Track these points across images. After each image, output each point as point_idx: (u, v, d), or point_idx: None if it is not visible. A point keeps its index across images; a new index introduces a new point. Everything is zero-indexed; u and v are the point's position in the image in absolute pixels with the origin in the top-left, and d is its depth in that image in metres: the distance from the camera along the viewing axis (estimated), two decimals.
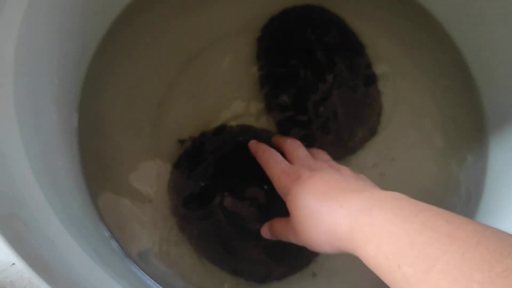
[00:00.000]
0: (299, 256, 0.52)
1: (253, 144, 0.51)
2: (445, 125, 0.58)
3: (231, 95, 0.55)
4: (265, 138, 0.53)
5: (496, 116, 0.57)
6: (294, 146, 0.49)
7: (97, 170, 0.51)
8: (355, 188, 0.39)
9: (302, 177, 0.42)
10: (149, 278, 0.49)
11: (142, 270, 0.49)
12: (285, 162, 0.46)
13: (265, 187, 0.51)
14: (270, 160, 0.47)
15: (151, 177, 0.52)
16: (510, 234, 0.27)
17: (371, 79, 0.58)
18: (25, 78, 0.40)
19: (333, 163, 0.47)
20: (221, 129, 0.54)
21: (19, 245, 0.29)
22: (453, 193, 0.57)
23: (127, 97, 0.54)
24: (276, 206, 0.47)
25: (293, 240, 0.43)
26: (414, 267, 0.28)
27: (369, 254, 0.32)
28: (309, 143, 0.53)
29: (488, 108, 0.58)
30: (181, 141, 0.53)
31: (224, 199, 0.51)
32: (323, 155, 0.50)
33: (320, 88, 0.55)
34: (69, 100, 0.50)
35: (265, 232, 0.49)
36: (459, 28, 0.58)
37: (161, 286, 0.49)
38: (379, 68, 0.58)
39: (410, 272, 0.28)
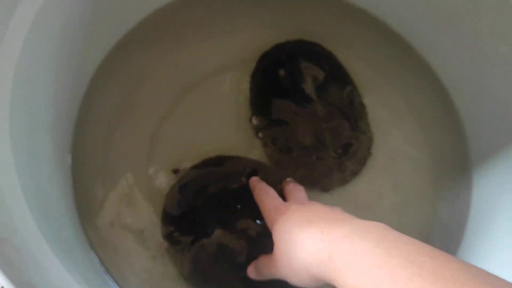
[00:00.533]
0: None
1: (253, 181, 0.51)
2: (431, 160, 0.59)
3: (224, 128, 0.56)
4: (256, 169, 0.54)
5: (479, 152, 0.58)
6: (296, 188, 0.49)
7: (90, 201, 0.52)
8: (341, 217, 0.39)
9: (291, 208, 0.42)
10: None
11: None
12: (279, 200, 0.47)
13: (258, 221, 0.51)
14: (265, 196, 0.47)
15: (143, 208, 0.53)
16: (494, 276, 0.26)
17: (361, 114, 0.59)
18: (22, 109, 0.41)
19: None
20: (214, 161, 0.54)
21: (9, 269, 0.29)
22: (437, 226, 0.57)
23: (120, 128, 0.55)
24: (266, 242, 0.46)
25: (275, 273, 0.42)
26: None
27: (347, 284, 0.31)
28: (299, 174, 0.54)
29: (472, 144, 0.59)
30: (175, 171, 0.54)
31: (214, 230, 0.51)
32: (298, 193, 0.50)
33: (311, 121, 0.56)
34: (64, 130, 0.51)
35: (251, 272, 0.48)
36: (445, 66, 0.60)
37: None
38: (369, 104, 0.59)
39: None
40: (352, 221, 0.37)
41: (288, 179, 0.53)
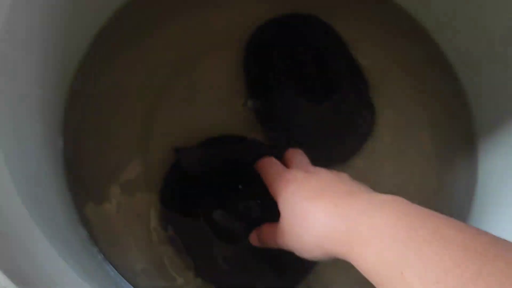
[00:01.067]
0: (293, 274, 0.51)
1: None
2: (435, 132, 0.57)
3: (220, 106, 0.55)
4: (255, 148, 0.52)
5: (484, 122, 0.56)
6: (295, 153, 0.47)
7: (83, 183, 0.50)
8: (354, 189, 0.37)
9: (297, 177, 0.40)
10: None
11: (131, 284, 0.48)
12: (281, 166, 0.44)
13: (258, 201, 0.49)
14: (267, 165, 0.45)
15: (140, 192, 0.51)
16: None
17: (362, 88, 0.57)
18: (6, 93, 0.39)
19: (333, 170, 0.45)
20: (211, 141, 0.53)
21: None
22: (444, 201, 0.56)
23: (113, 109, 0.53)
24: (268, 222, 0.45)
25: (281, 244, 0.41)
26: (421, 278, 0.25)
27: (366, 260, 0.30)
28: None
29: (477, 114, 0.57)
30: (176, 150, 0.52)
31: (215, 211, 0.49)
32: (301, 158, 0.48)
33: (310, 97, 0.55)
34: (53, 112, 0.49)
35: (253, 239, 0.47)
36: (449, 39, 0.58)
37: None
38: (370, 77, 0.58)
39: (415, 283, 0.25)
40: (366, 194, 0.35)
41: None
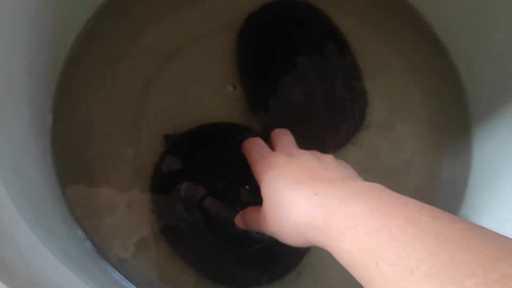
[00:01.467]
0: (283, 263, 0.51)
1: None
2: (430, 119, 0.57)
3: (211, 93, 0.54)
4: (248, 136, 0.52)
5: (479, 109, 0.56)
6: (281, 134, 0.47)
7: (71, 171, 0.50)
8: (334, 177, 0.37)
9: (279, 162, 0.40)
10: (126, 280, 0.47)
11: (119, 272, 0.48)
12: (266, 149, 0.44)
13: (246, 187, 0.49)
14: (253, 145, 0.45)
15: (131, 179, 0.51)
16: (502, 236, 0.24)
17: (355, 74, 0.57)
18: None
19: (319, 153, 0.44)
20: (202, 128, 0.52)
21: None
22: (438, 188, 0.56)
23: (104, 97, 0.53)
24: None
25: (264, 229, 0.41)
26: (395, 266, 0.25)
27: (343, 249, 0.30)
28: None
29: (472, 101, 0.57)
30: (166, 137, 0.52)
31: (204, 199, 0.49)
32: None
33: (302, 84, 0.54)
34: (42, 101, 0.49)
35: (238, 221, 0.47)
36: (442, 22, 0.58)
37: (135, 284, 0.48)
38: (363, 63, 0.57)
39: (389, 272, 0.25)
40: (346, 182, 0.35)
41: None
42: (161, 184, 0.51)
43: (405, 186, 0.55)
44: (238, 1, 0.57)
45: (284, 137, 0.46)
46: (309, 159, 0.40)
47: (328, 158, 0.41)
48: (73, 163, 0.50)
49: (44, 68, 0.49)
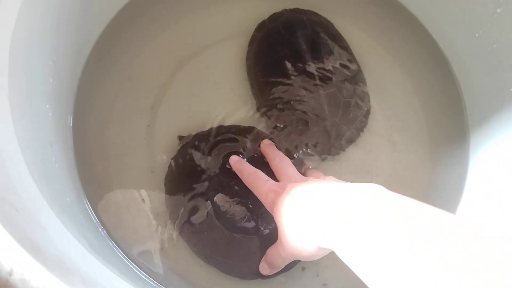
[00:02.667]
0: None
1: (235, 163, 0.51)
2: (429, 124, 0.59)
3: (223, 96, 0.57)
4: (256, 137, 0.55)
5: (476, 116, 0.58)
6: (283, 165, 0.49)
7: (90, 167, 0.53)
8: (333, 189, 0.38)
9: (286, 189, 0.42)
10: (139, 270, 0.50)
11: (133, 262, 0.50)
12: (271, 181, 0.47)
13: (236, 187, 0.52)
14: (257, 181, 0.47)
15: (146, 176, 0.54)
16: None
17: (358, 80, 0.59)
18: (20, 77, 0.42)
19: (322, 176, 0.47)
20: (215, 130, 0.55)
21: (9, 226, 0.30)
22: (436, 191, 0.57)
23: (121, 98, 0.56)
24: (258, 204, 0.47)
25: (284, 255, 0.43)
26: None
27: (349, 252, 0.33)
28: (297, 142, 0.55)
29: (469, 108, 0.59)
30: (180, 138, 0.54)
31: (216, 196, 0.52)
32: (316, 172, 0.50)
33: (308, 89, 0.57)
34: (64, 100, 0.52)
35: (263, 268, 0.49)
36: (443, 33, 0.60)
37: (149, 275, 0.50)
38: (366, 70, 0.60)
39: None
40: (343, 207, 0.36)
41: (265, 140, 0.54)
42: (175, 181, 0.53)
43: (405, 189, 0.56)
44: (249, 10, 0.60)
45: (288, 169, 0.48)
46: (311, 182, 0.42)
47: (331, 179, 0.44)
48: (91, 159, 0.53)
49: (67, 69, 0.52)
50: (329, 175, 0.46)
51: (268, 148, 0.53)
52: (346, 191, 0.35)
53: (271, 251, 0.47)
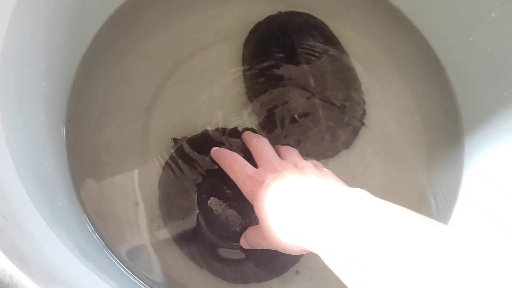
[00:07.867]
0: (282, 261, 0.52)
1: (215, 153, 0.51)
2: (424, 129, 0.59)
3: (218, 98, 0.57)
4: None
5: (470, 120, 0.58)
6: (261, 146, 0.49)
7: (84, 170, 0.53)
8: (317, 192, 0.38)
9: (266, 181, 0.42)
10: (133, 275, 0.50)
11: (126, 268, 0.50)
12: (248, 166, 0.46)
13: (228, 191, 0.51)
14: (234, 165, 0.47)
15: (139, 180, 0.53)
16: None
17: (354, 84, 0.59)
18: (11, 81, 0.41)
19: (299, 160, 0.46)
20: (209, 133, 0.55)
21: None
22: (430, 197, 0.57)
23: (116, 100, 0.55)
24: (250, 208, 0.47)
25: (265, 246, 0.44)
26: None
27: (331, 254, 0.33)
28: (290, 144, 0.54)
29: (463, 112, 0.59)
30: (174, 140, 0.54)
31: (209, 200, 0.51)
32: (292, 152, 0.50)
33: (302, 91, 0.56)
34: (57, 102, 0.51)
35: (243, 242, 0.49)
36: (438, 38, 0.60)
37: (142, 280, 0.50)
38: (361, 72, 0.59)
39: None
40: (329, 201, 0.36)
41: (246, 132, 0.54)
42: (168, 184, 0.53)
43: (399, 195, 0.57)
44: (245, 12, 0.60)
45: (265, 151, 0.48)
46: (293, 175, 0.42)
47: (309, 168, 0.44)
48: (85, 163, 0.53)
49: (60, 72, 0.51)
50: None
51: (249, 134, 0.52)
52: (328, 196, 0.36)
53: (251, 236, 0.47)
